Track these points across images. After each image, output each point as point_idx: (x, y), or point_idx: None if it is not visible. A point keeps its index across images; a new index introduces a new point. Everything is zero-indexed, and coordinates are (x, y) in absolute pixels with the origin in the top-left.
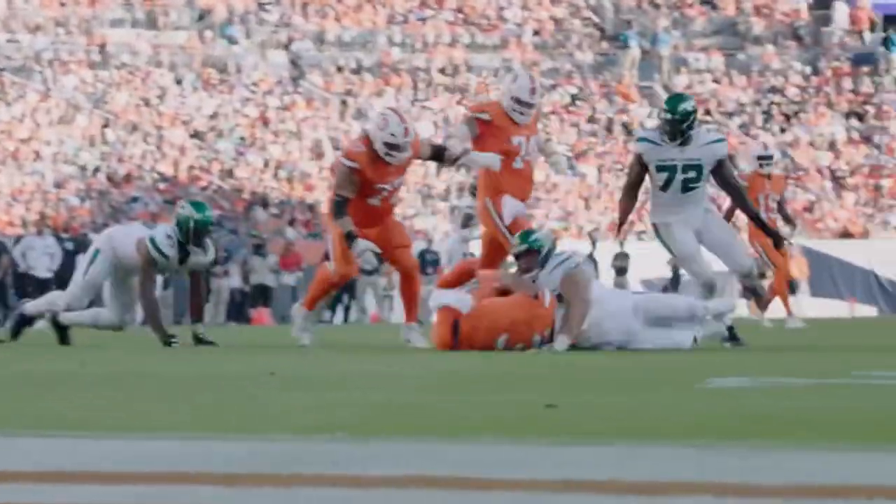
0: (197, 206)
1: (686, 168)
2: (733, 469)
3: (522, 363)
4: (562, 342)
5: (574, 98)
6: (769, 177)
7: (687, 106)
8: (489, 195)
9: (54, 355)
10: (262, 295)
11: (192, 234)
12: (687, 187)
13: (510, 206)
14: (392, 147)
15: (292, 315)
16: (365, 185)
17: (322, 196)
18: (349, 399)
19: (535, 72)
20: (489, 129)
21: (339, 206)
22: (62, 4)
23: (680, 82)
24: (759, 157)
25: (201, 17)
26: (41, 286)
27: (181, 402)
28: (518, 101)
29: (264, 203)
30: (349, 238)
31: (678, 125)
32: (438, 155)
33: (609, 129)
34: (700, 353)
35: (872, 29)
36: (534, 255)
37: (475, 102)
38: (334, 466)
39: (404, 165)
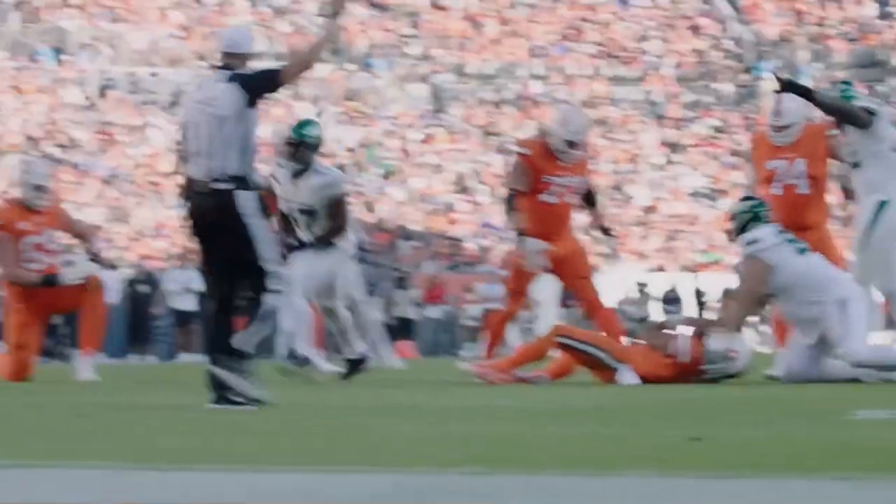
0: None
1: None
2: (879, 502)
3: (664, 395)
4: (716, 341)
5: (716, 130)
6: None
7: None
8: None
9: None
10: (404, 328)
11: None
12: None
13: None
14: (570, 144)
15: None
16: (535, 177)
17: (464, 230)
18: (490, 431)
19: (675, 104)
20: (753, 154)
21: (510, 201)
22: (204, 38)
23: (820, 114)
24: None
25: (342, 51)
26: (183, 318)
27: (320, 433)
28: (769, 125)
29: (406, 236)
30: (520, 235)
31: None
32: (589, 196)
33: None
34: (848, 385)
35: None
36: (729, 222)
37: None
38: (477, 498)
39: (580, 165)
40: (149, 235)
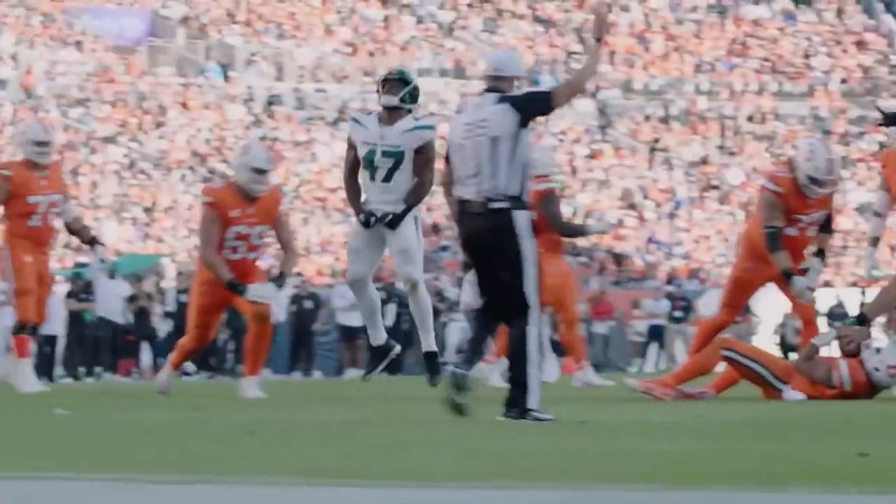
0: None
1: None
2: None
3: (830, 410)
4: (874, 359)
5: (882, 146)
6: None
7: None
8: None
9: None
10: None
11: None
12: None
13: None
14: (814, 181)
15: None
16: (786, 214)
17: (630, 245)
18: (655, 447)
19: (841, 119)
20: (884, 171)
21: (773, 238)
22: (370, 54)
23: None
24: None
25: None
26: (350, 334)
27: (485, 450)
28: None
29: (573, 251)
30: (787, 276)
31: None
32: (826, 224)
33: None
34: None
35: None
36: None
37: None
38: None
39: (826, 198)
40: (315, 252)
